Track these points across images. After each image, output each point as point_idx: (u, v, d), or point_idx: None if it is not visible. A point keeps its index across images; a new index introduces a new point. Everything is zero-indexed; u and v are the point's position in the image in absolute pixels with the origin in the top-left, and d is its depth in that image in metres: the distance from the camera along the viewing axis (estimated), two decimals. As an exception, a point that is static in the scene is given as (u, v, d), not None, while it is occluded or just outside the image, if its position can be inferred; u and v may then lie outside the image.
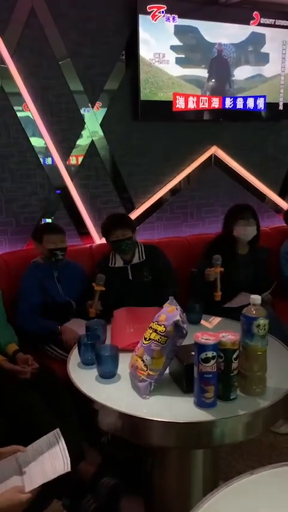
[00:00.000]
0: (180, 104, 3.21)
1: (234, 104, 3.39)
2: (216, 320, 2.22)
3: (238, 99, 3.39)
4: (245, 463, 2.23)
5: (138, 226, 3.32)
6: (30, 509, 1.68)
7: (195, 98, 3.25)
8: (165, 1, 3.00)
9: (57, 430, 1.37)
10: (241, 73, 3.37)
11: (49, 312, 2.54)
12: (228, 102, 3.37)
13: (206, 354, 1.42)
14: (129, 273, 2.66)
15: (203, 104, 3.29)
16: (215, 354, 1.42)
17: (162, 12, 3.00)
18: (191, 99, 3.23)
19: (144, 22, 2.97)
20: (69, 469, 1.28)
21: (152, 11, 2.98)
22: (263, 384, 1.55)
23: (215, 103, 3.32)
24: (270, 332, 1.88)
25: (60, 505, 1.98)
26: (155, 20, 3.00)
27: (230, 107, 3.38)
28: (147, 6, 2.96)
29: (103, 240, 2.87)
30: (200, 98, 3.27)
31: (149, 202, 3.34)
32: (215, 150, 3.47)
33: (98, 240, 3.17)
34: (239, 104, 3.40)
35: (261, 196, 3.72)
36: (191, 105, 3.25)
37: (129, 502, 1.94)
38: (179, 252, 3.16)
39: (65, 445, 1.33)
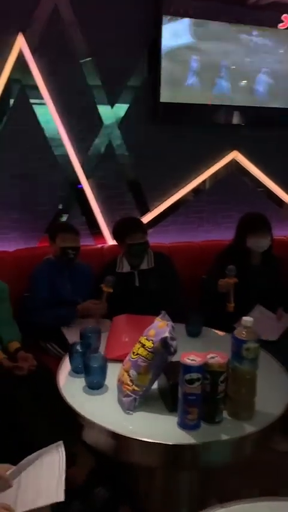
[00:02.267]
0: (201, 107, 3.14)
1: (257, 108, 3.30)
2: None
3: (261, 104, 3.30)
4: (240, 481, 2.18)
5: (151, 229, 3.30)
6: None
7: (216, 101, 3.18)
8: (190, 2, 2.94)
9: (61, 443, 1.34)
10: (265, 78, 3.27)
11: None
12: (251, 107, 3.28)
13: (191, 376, 1.38)
14: (136, 279, 2.64)
15: (225, 108, 3.22)
16: (199, 375, 1.39)
17: (187, 13, 2.94)
18: (212, 102, 3.16)
19: (168, 23, 2.92)
20: (62, 499, 1.24)
21: (177, 11, 2.92)
22: (251, 408, 1.50)
23: (238, 107, 3.25)
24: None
25: (48, 508, 1.99)
26: (179, 21, 2.94)
27: (253, 112, 3.29)
28: (172, 7, 2.90)
29: (115, 241, 2.85)
30: (222, 101, 3.19)
31: (164, 205, 3.30)
32: (235, 155, 3.40)
33: (111, 240, 3.16)
34: (262, 110, 3.31)
35: (281, 204, 3.62)
36: (212, 109, 3.18)
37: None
38: (190, 258, 3.12)
39: (64, 465, 1.30)
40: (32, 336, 2.49)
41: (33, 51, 2.77)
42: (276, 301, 2.69)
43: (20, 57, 2.76)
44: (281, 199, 3.61)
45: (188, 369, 1.38)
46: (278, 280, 2.82)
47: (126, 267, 2.66)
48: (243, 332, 1.45)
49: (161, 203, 3.30)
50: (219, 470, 2.14)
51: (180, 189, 3.32)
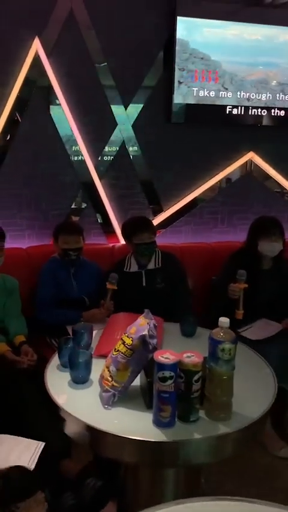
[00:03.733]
0: (215, 107, 3.13)
1: (274, 109, 3.26)
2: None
3: (277, 104, 3.26)
4: (235, 483, 2.17)
5: (164, 229, 3.31)
6: (15, 497, 1.77)
7: (231, 102, 3.16)
8: (204, 4, 2.94)
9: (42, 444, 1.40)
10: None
11: (63, 307, 2.62)
12: (267, 107, 3.24)
13: (163, 373, 1.39)
14: (143, 279, 2.65)
15: (240, 108, 3.19)
16: (172, 374, 1.40)
17: (201, 14, 2.94)
18: (226, 102, 3.15)
19: (182, 24, 2.93)
20: (32, 468, 1.32)
21: (191, 12, 2.93)
22: (227, 409, 1.50)
23: (253, 107, 3.22)
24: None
25: (43, 497, 2.05)
26: (193, 21, 2.94)
27: (270, 112, 3.25)
28: (187, 8, 2.91)
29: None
30: (236, 101, 3.18)
31: (177, 205, 3.31)
32: (251, 156, 3.36)
33: (123, 240, 3.19)
34: (279, 110, 3.26)
35: (299, 207, 3.56)
36: (228, 109, 3.17)
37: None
38: (201, 259, 3.12)
39: (39, 452, 1.36)
40: (39, 331, 2.56)
41: (49, 54, 2.85)
42: (285, 307, 2.64)
43: (36, 59, 2.84)
44: (299, 202, 3.54)
45: (162, 366, 1.40)
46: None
47: (134, 267, 2.68)
48: (221, 332, 1.45)
49: (175, 203, 3.31)
50: (216, 471, 2.15)
51: (194, 190, 3.32)
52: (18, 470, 1.51)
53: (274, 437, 2.33)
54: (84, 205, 3.15)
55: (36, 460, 1.40)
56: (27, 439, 1.31)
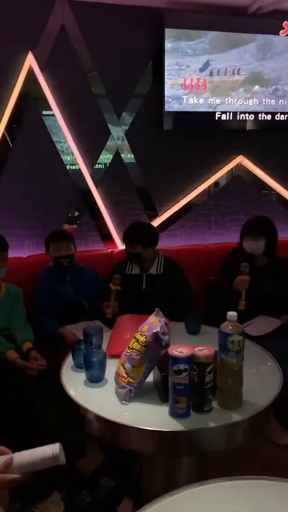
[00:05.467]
0: (205, 114, 3.25)
1: (261, 114, 3.38)
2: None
3: (265, 109, 3.38)
4: (240, 473, 2.24)
5: (160, 233, 3.40)
6: (32, 497, 1.83)
7: (219, 108, 3.28)
8: (191, 15, 3.06)
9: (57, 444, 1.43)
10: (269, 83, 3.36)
11: (62, 313, 2.68)
12: (254, 112, 3.37)
13: (178, 366, 1.47)
14: (144, 282, 2.72)
15: (228, 114, 3.31)
16: (187, 366, 1.48)
17: (188, 25, 3.06)
18: (215, 108, 3.27)
19: (170, 35, 3.04)
20: (57, 453, 1.35)
21: (178, 23, 3.04)
22: (238, 398, 1.59)
23: (241, 113, 3.34)
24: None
25: (59, 497, 2.11)
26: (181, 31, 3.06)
27: (257, 116, 3.38)
28: (174, 19, 3.02)
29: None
30: (224, 107, 3.29)
31: (172, 209, 3.42)
32: (241, 160, 3.48)
33: (120, 245, 3.28)
34: (266, 115, 3.39)
35: (289, 206, 3.69)
36: (217, 115, 3.28)
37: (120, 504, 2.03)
38: (197, 260, 3.22)
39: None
40: (46, 337, 2.62)
41: (42, 67, 2.94)
42: (281, 303, 2.74)
43: (30, 73, 2.93)
44: (287, 201, 3.66)
45: (176, 360, 1.48)
46: (283, 281, 2.87)
47: (135, 270, 2.74)
48: (229, 326, 1.54)
49: (170, 208, 3.41)
50: (221, 461, 2.22)
51: (187, 194, 3.43)
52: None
53: (277, 427, 2.44)
54: (77, 213, 3.23)
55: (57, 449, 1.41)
56: (41, 448, 1.33)
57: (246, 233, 2.74)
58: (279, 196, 3.64)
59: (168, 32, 3.04)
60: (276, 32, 3.24)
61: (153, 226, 2.98)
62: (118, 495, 2.02)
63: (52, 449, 1.27)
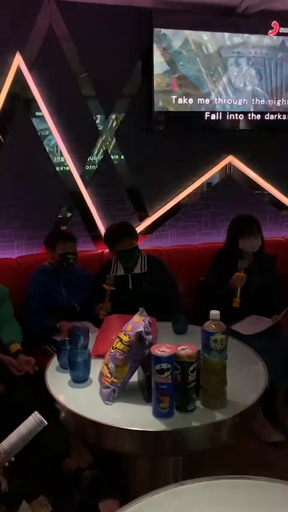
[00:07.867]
0: (194, 114, 3.25)
1: (250, 114, 3.39)
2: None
3: (254, 109, 3.39)
4: (226, 472, 2.23)
5: (150, 234, 3.40)
6: (17, 498, 1.82)
7: (208, 108, 3.28)
8: (180, 14, 3.06)
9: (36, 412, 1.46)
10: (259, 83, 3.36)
11: (53, 314, 2.66)
12: (244, 112, 3.37)
13: (161, 366, 1.47)
14: (129, 282, 2.72)
15: (218, 114, 3.31)
16: (169, 366, 1.47)
17: (177, 25, 3.06)
18: (204, 108, 3.27)
19: (159, 35, 3.05)
20: (39, 418, 1.39)
21: (167, 23, 3.04)
22: (222, 397, 1.58)
23: (231, 113, 3.34)
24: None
25: (46, 499, 2.10)
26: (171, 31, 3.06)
27: (246, 116, 3.38)
28: (163, 20, 3.02)
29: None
30: (215, 107, 3.29)
31: (162, 210, 3.41)
32: (231, 160, 3.48)
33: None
34: (255, 114, 3.39)
35: (279, 206, 3.68)
36: (206, 115, 3.28)
37: (106, 503, 2.01)
38: (188, 260, 3.21)
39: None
40: (33, 338, 2.61)
41: (30, 68, 2.93)
42: (274, 304, 2.75)
43: (18, 73, 2.92)
44: (277, 201, 3.67)
45: (158, 359, 1.47)
46: (274, 278, 2.88)
47: (120, 271, 2.74)
48: (212, 324, 1.54)
49: (160, 208, 3.41)
50: (208, 460, 2.22)
51: (177, 194, 3.42)
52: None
53: (266, 425, 2.44)
54: (69, 214, 3.22)
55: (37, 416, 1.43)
56: (22, 424, 1.41)
57: (243, 232, 2.73)
58: (270, 196, 3.64)
59: (156, 32, 3.04)
60: (265, 32, 3.24)
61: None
62: (101, 483, 2.01)
63: (33, 418, 1.41)
